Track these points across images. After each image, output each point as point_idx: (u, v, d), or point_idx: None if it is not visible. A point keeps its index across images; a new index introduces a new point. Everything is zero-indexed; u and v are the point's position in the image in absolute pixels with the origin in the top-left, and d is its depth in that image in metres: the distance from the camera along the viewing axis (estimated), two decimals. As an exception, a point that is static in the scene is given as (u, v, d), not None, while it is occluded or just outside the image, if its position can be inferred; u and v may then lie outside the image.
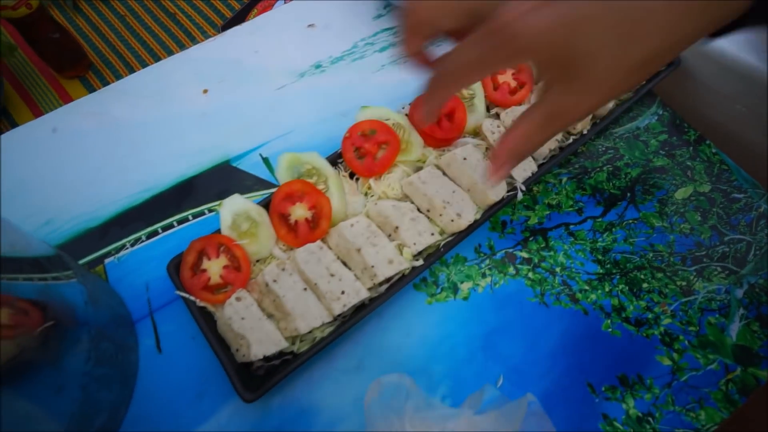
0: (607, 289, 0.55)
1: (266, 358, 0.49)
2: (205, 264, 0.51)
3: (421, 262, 0.52)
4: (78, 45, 1.42)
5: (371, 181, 0.56)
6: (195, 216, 0.59)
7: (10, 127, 1.32)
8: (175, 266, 0.51)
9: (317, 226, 0.53)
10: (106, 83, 1.42)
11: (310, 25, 0.74)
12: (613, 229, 0.58)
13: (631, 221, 0.59)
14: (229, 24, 1.46)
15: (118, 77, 1.43)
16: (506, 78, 0.62)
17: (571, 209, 0.60)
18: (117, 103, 0.66)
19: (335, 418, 0.48)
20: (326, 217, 0.53)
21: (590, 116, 0.60)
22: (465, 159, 0.56)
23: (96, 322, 0.45)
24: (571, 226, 0.59)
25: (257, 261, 0.53)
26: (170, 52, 1.47)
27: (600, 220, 0.59)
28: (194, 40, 1.50)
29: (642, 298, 0.55)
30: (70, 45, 1.39)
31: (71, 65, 1.40)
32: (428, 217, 0.55)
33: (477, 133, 0.60)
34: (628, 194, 0.61)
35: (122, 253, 0.56)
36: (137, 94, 0.67)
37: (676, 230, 0.59)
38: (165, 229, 0.58)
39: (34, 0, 1.25)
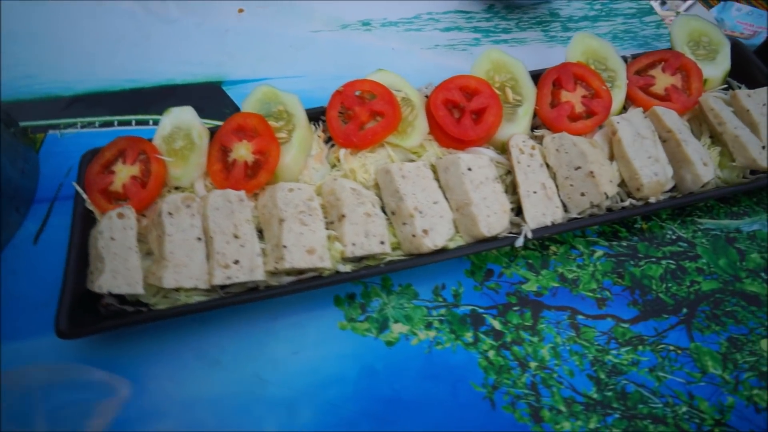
0: (592, 426, 0.36)
1: (120, 299, 0.39)
2: (117, 167, 0.43)
3: (348, 269, 0.38)
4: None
5: (343, 152, 0.44)
6: (156, 123, 0.52)
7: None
8: (89, 158, 0.44)
9: (254, 176, 0.42)
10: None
11: (380, -18, 0.64)
12: (640, 348, 0.39)
13: (673, 348, 0.39)
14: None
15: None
16: (572, 98, 0.46)
17: (590, 295, 0.42)
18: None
19: (156, 408, 0.36)
20: (269, 169, 0.42)
21: (659, 181, 0.42)
22: (470, 170, 0.42)
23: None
24: (580, 317, 0.41)
25: (176, 188, 0.43)
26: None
27: (626, 326, 0.40)
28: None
29: (642, 464, 0.35)
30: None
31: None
32: (388, 220, 0.41)
33: (504, 150, 0.45)
34: (685, 310, 0.41)
35: (68, 130, 0.51)
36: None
37: (744, 395, 0.38)
38: (122, 123, 0.52)
39: None
